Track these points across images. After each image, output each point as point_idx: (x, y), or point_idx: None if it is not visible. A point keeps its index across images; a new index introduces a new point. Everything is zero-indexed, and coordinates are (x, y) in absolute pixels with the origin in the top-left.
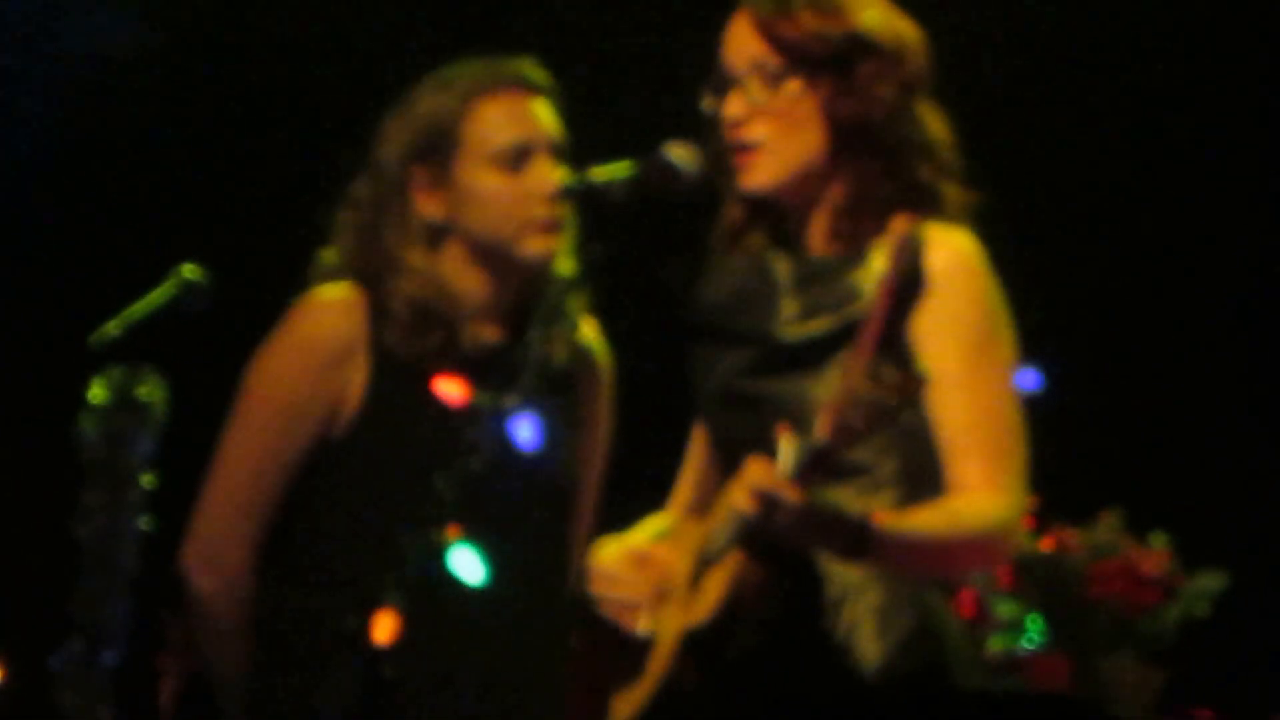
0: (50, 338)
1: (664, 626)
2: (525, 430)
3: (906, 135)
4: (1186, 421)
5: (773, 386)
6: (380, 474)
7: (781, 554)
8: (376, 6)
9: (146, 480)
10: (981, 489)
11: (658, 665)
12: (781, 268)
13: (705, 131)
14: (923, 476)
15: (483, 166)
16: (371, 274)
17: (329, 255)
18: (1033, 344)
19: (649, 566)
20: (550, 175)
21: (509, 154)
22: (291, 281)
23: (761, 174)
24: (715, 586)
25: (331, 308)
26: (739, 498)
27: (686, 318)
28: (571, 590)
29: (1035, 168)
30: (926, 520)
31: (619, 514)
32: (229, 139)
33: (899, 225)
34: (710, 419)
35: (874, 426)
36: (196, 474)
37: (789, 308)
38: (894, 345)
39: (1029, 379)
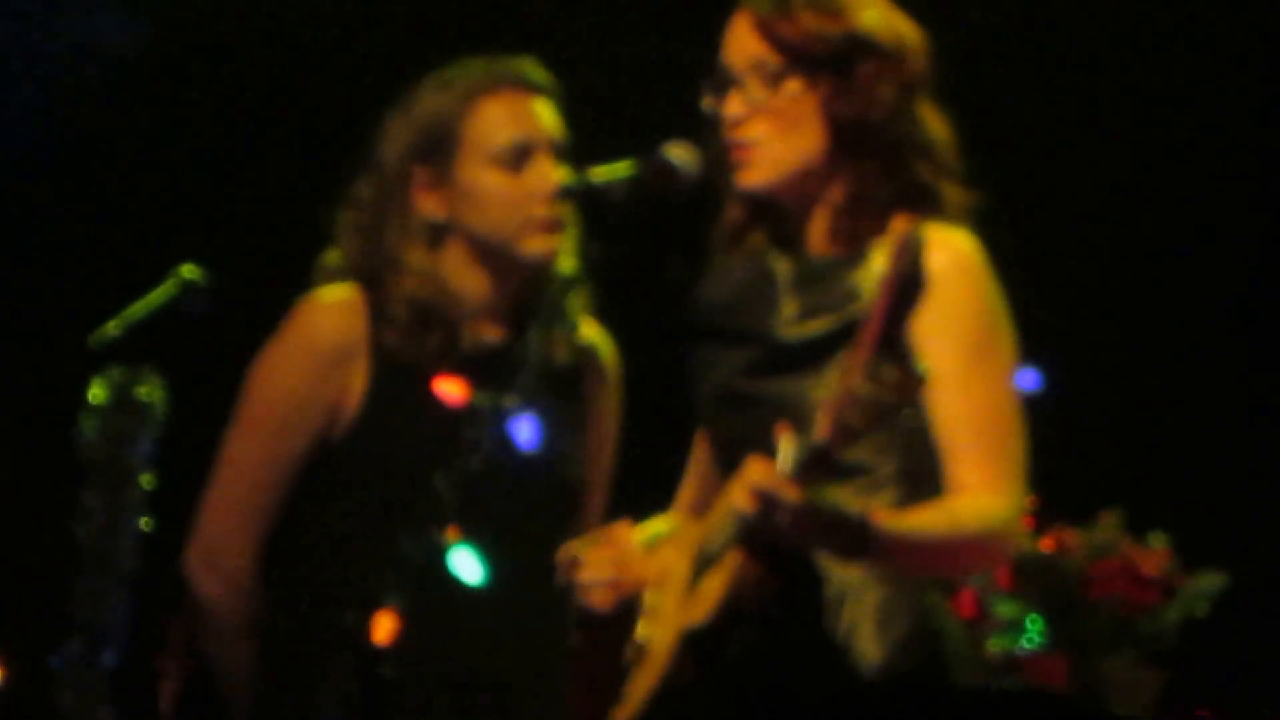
0: (50, 338)
1: (664, 626)
2: (525, 430)
3: (906, 135)
4: (1186, 421)
5: (772, 386)
6: (380, 474)
7: (781, 553)
8: (376, 6)
9: (146, 480)
10: (981, 489)
11: (657, 664)
12: (781, 268)
13: (705, 131)
14: (923, 476)
15: (483, 166)
16: (372, 274)
17: (332, 257)
18: (1033, 344)
19: (609, 544)
20: (551, 175)
21: (510, 153)
22: (292, 282)
23: (759, 173)
24: (715, 586)
25: (332, 309)
26: (738, 497)
27: (686, 318)
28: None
29: (1035, 168)
30: (926, 520)
31: (624, 514)
32: (229, 139)
33: (899, 225)
34: (710, 419)
35: (873, 426)
36: (196, 474)
37: (789, 308)
38: (894, 345)
39: (1029, 379)
